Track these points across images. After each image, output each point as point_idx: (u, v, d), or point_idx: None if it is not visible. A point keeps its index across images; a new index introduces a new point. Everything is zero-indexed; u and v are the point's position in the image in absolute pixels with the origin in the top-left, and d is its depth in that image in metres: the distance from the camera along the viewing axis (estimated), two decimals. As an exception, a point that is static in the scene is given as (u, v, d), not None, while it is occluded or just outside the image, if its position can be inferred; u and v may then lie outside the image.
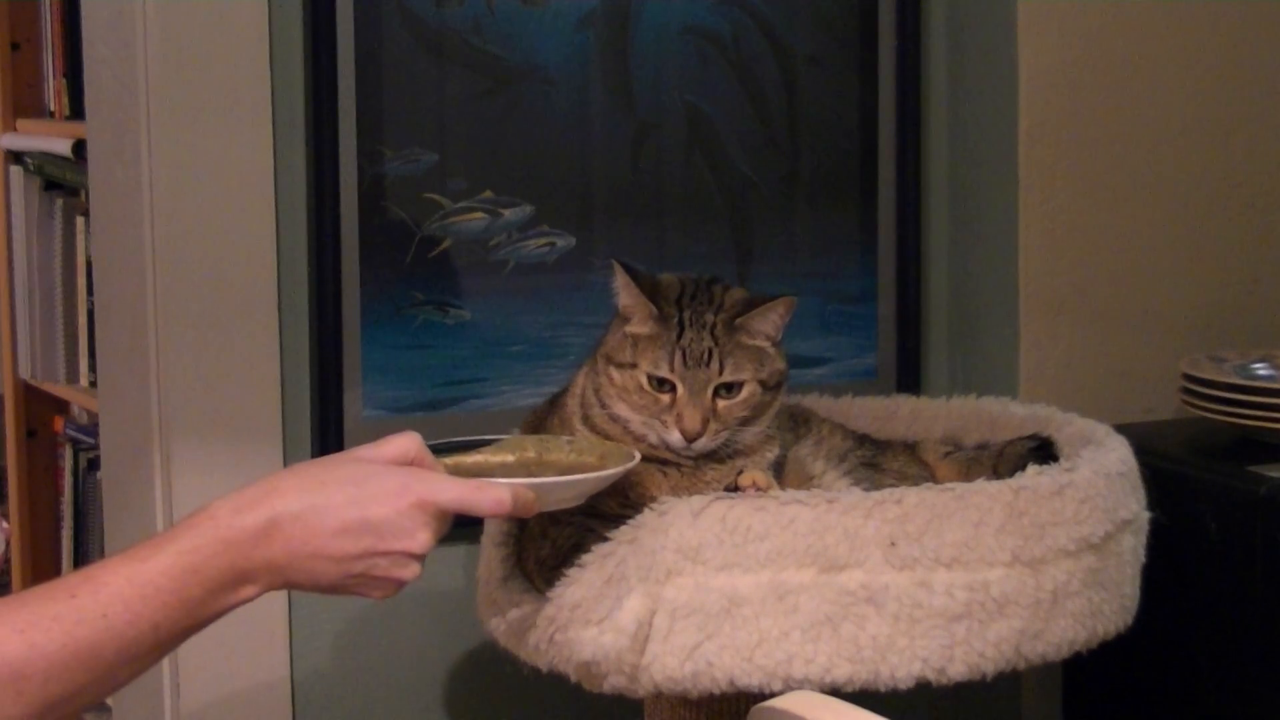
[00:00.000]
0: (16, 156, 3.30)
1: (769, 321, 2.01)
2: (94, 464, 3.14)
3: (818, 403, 2.39)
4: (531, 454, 1.89)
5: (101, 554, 2.86)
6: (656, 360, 1.99)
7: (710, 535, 1.87)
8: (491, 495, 1.66)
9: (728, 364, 1.98)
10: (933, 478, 2.15)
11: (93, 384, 3.03)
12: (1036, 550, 1.93)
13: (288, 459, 2.41)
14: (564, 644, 1.88)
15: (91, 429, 3.16)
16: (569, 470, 1.84)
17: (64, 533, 3.31)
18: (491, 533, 2.16)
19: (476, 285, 2.47)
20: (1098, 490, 1.99)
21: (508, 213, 2.48)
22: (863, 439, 2.22)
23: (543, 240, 2.50)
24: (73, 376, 3.20)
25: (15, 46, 3.37)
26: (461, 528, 2.33)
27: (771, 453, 2.05)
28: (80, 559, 3.23)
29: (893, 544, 1.89)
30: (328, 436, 2.40)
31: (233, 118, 2.34)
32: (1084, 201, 2.63)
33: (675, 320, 2.00)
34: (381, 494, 1.60)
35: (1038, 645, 1.95)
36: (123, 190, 2.39)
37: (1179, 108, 2.67)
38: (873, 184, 2.66)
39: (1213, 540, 2.31)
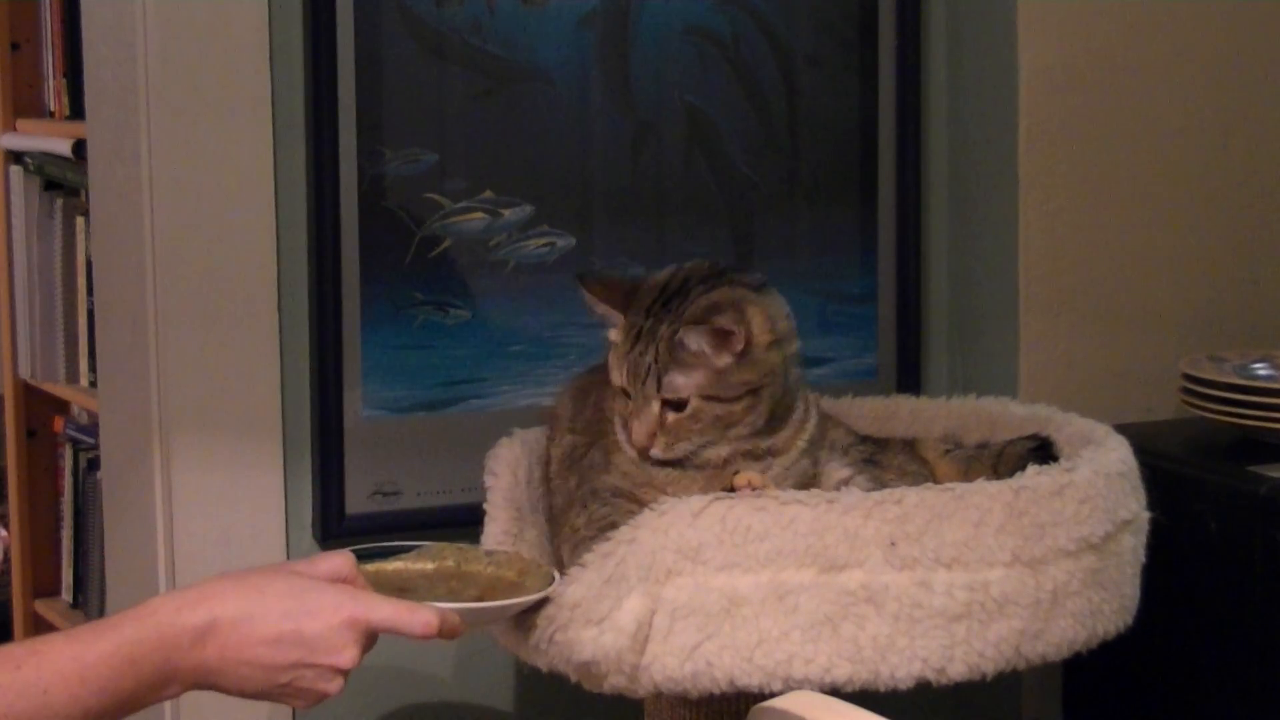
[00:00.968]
0: (16, 156, 3.30)
1: (701, 343, 1.96)
2: (94, 464, 3.14)
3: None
4: (451, 563, 1.94)
5: (101, 554, 2.87)
6: (615, 369, 2.00)
7: (710, 535, 1.87)
8: (421, 618, 1.71)
9: (665, 380, 1.96)
10: (932, 476, 2.15)
11: (93, 384, 3.03)
12: (1036, 550, 1.93)
13: (288, 459, 2.41)
14: (564, 644, 1.88)
15: (91, 429, 3.16)
16: (488, 583, 1.90)
17: (64, 533, 3.31)
18: (492, 532, 2.16)
19: (476, 285, 2.47)
20: (1098, 490, 1.99)
21: (508, 213, 2.48)
22: (864, 437, 2.22)
23: (543, 240, 2.50)
24: (73, 376, 3.20)
25: (15, 46, 3.37)
26: (461, 527, 2.33)
27: (797, 449, 2.03)
28: (80, 559, 3.23)
29: (893, 544, 1.89)
30: (328, 436, 2.40)
31: (233, 118, 2.34)
32: (1084, 201, 2.63)
33: (634, 331, 2.00)
34: (316, 609, 1.66)
35: (1038, 645, 1.95)
36: (123, 190, 2.39)
37: (1179, 108, 2.67)
38: (873, 184, 2.66)
39: (1213, 540, 2.31)
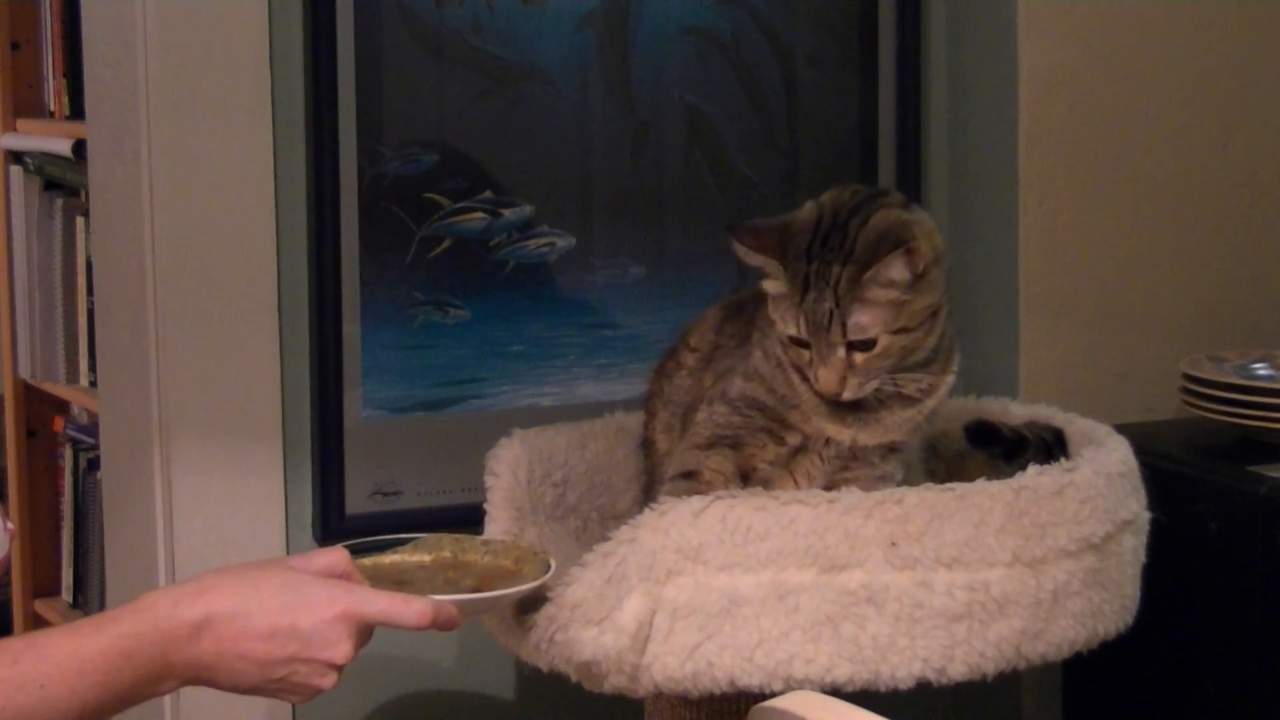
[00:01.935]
0: (16, 156, 3.30)
1: (888, 276, 1.90)
2: (94, 464, 3.14)
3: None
4: (447, 554, 1.94)
5: (101, 554, 2.87)
6: (786, 320, 1.95)
7: (711, 535, 1.87)
8: (414, 609, 1.72)
9: (851, 324, 1.91)
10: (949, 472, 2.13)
11: (93, 384, 3.03)
12: (1037, 550, 1.93)
13: (288, 459, 2.41)
14: (564, 644, 1.88)
15: (91, 429, 3.16)
16: (485, 572, 1.89)
17: (64, 533, 3.31)
18: (493, 532, 2.16)
19: (476, 285, 2.47)
20: (1098, 490, 1.99)
21: (508, 213, 2.48)
22: None
23: (543, 240, 2.50)
24: (73, 376, 3.20)
25: (15, 46, 3.37)
26: (461, 527, 2.33)
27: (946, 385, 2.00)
28: (80, 559, 3.23)
29: (893, 544, 1.89)
30: (328, 436, 2.40)
31: (233, 118, 2.34)
32: (1084, 202, 2.63)
33: (801, 276, 1.94)
34: (312, 603, 1.66)
35: (1038, 645, 1.95)
36: (123, 190, 2.39)
37: (1179, 108, 2.67)
38: (873, 184, 2.66)
39: (1213, 540, 2.31)
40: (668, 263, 2.56)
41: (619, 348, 2.54)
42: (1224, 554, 2.30)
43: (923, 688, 1.92)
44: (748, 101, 2.59)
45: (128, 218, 2.38)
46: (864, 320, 1.92)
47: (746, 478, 2.03)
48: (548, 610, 1.90)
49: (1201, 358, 2.54)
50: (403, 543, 1.94)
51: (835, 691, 1.84)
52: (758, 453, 2.02)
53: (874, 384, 1.94)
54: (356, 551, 1.82)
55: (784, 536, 1.87)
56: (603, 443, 2.32)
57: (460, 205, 2.46)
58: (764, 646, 1.86)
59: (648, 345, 2.53)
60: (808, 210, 1.99)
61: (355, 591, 1.70)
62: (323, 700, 2.44)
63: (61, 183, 3.21)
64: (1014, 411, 2.32)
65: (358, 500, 2.42)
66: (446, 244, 2.45)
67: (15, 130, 3.35)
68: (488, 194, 2.47)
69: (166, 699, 2.36)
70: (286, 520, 2.41)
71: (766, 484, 2.01)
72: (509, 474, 2.22)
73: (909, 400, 1.98)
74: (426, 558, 1.93)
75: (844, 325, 1.92)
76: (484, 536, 2.03)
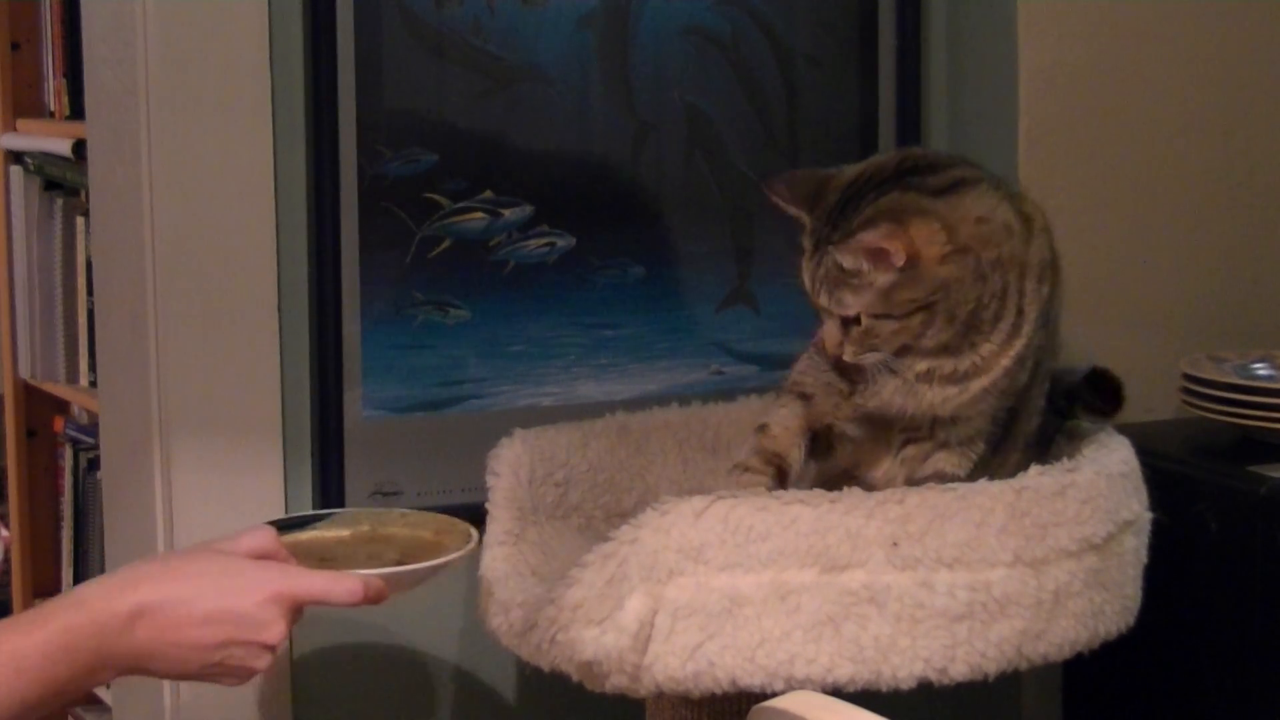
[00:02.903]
0: (16, 156, 3.30)
1: (857, 262, 1.90)
2: (94, 464, 3.14)
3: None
4: (366, 528, 1.96)
5: (101, 554, 2.86)
6: (802, 275, 1.97)
7: (712, 535, 1.87)
8: (345, 586, 1.75)
9: (835, 296, 1.93)
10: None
11: (93, 384, 3.03)
12: (1038, 550, 1.93)
13: (288, 459, 2.41)
14: (566, 644, 1.88)
15: (91, 429, 3.16)
16: (407, 545, 1.93)
17: (64, 533, 3.31)
18: (494, 532, 2.16)
19: (476, 285, 2.47)
20: (1100, 490, 1.99)
21: (508, 213, 2.48)
22: None
23: (543, 240, 2.50)
24: (73, 376, 3.20)
25: (15, 46, 3.37)
26: (462, 528, 2.33)
27: (1001, 368, 1.97)
28: (80, 559, 3.23)
29: (895, 544, 1.89)
30: (328, 436, 2.40)
31: (233, 118, 2.34)
32: (1084, 201, 2.63)
33: (815, 239, 1.95)
34: (243, 587, 1.69)
35: (1039, 646, 1.95)
36: (123, 190, 2.39)
37: (1179, 108, 2.67)
38: (873, 184, 2.66)
39: (1213, 540, 2.31)
40: (668, 263, 2.56)
41: (619, 348, 2.54)
42: (1224, 554, 2.30)
43: (924, 688, 1.92)
44: (748, 101, 2.59)
45: (128, 218, 2.38)
46: (846, 298, 1.93)
47: (821, 437, 2.04)
48: (549, 611, 1.90)
49: (1201, 358, 2.54)
50: (320, 517, 1.95)
51: (836, 692, 1.84)
52: (829, 410, 2.02)
53: (874, 356, 1.95)
54: (278, 529, 1.84)
55: (785, 536, 1.87)
56: (605, 442, 2.33)
57: (460, 205, 2.46)
58: (765, 646, 1.86)
59: (648, 345, 2.53)
60: (854, 169, 1.98)
61: (288, 572, 1.73)
62: (323, 701, 2.45)
63: (61, 183, 3.21)
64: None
65: (358, 500, 2.41)
66: (446, 244, 2.45)
67: (15, 130, 3.35)
68: (488, 194, 2.47)
69: (166, 699, 2.36)
70: (286, 520, 2.41)
71: (842, 441, 2.01)
72: (510, 474, 2.22)
73: (950, 379, 1.96)
74: (345, 532, 1.95)
75: (827, 296, 1.94)
76: (401, 509, 2.04)
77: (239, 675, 1.71)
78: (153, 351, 2.35)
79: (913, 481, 2.02)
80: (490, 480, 2.23)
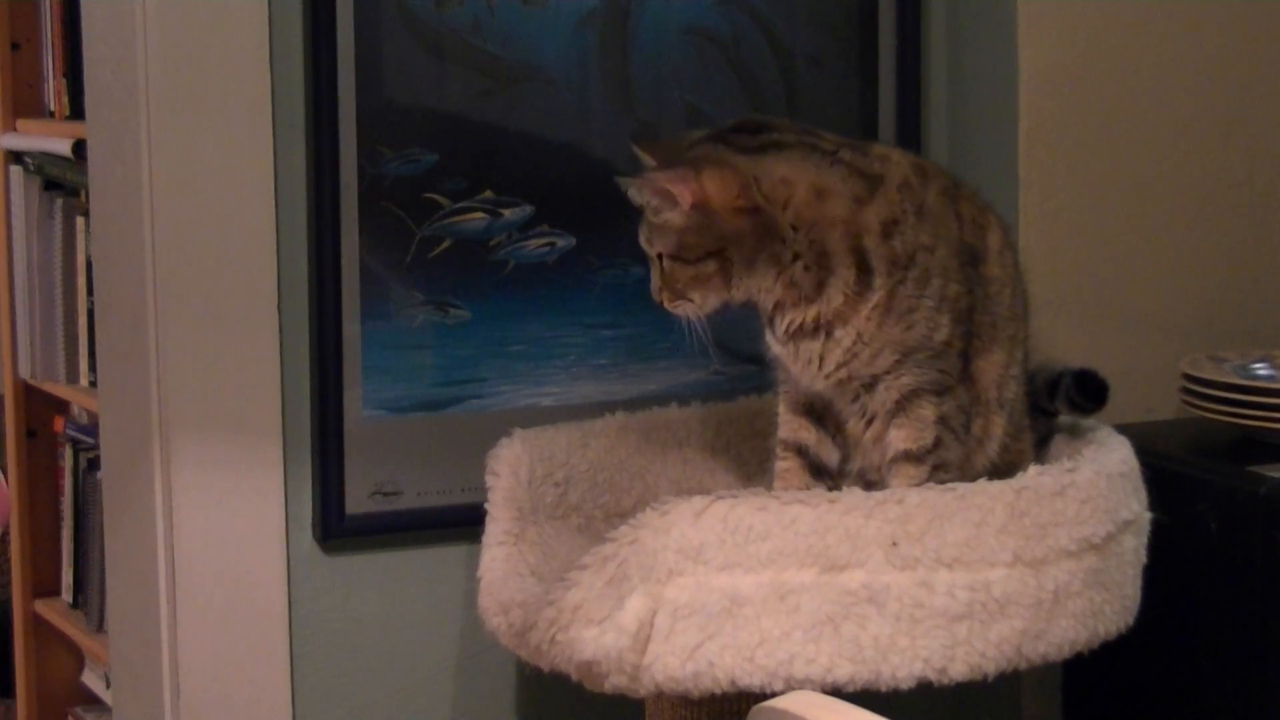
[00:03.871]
0: (16, 156, 3.30)
1: (643, 197, 2.01)
2: (94, 464, 3.14)
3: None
4: None
5: (101, 554, 2.86)
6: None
7: (712, 535, 1.87)
8: None
9: (645, 236, 2.03)
10: None
11: (93, 384, 3.03)
12: (1038, 550, 1.93)
13: (288, 459, 2.41)
14: (565, 644, 1.88)
15: (91, 429, 3.15)
16: None
17: (64, 533, 3.31)
18: (493, 532, 2.16)
19: (476, 285, 2.47)
20: (1099, 490, 1.99)
21: (508, 213, 2.48)
22: None
23: (543, 240, 2.50)
24: (73, 376, 3.20)
25: (15, 46, 3.36)
26: (461, 526, 2.33)
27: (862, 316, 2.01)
28: (80, 559, 3.23)
29: (894, 544, 1.89)
30: (328, 436, 2.40)
31: (233, 118, 2.34)
32: (1084, 201, 2.63)
33: None
34: None
35: (1039, 645, 1.95)
36: (123, 190, 2.40)
37: (1179, 108, 2.67)
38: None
39: (1213, 540, 2.31)
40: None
41: (619, 348, 2.54)
42: (1224, 554, 2.30)
43: (923, 688, 1.92)
44: (748, 101, 2.59)
45: (128, 218, 2.38)
46: (655, 238, 2.02)
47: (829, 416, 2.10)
48: (549, 611, 1.90)
49: (1201, 358, 2.54)
50: None
51: (836, 691, 1.84)
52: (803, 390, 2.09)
53: (689, 307, 2.01)
54: None
55: (785, 536, 1.87)
56: (604, 441, 2.33)
57: (460, 205, 2.46)
58: (765, 646, 1.86)
59: (648, 345, 2.53)
60: (706, 129, 2.06)
61: None
62: (323, 701, 2.45)
63: (61, 183, 3.20)
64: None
65: (358, 500, 2.42)
66: (446, 244, 2.45)
67: (15, 130, 3.35)
68: (488, 194, 2.47)
69: (166, 699, 2.36)
70: (286, 520, 2.41)
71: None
72: (510, 474, 2.22)
73: (812, 332, 2.00)
74: None
75: (647, 238, 2.02)
76: None
77: None
78: (153, 351, 2.35)
79: (887, 468, 2.03)
80: (490, 480, 2.23)
